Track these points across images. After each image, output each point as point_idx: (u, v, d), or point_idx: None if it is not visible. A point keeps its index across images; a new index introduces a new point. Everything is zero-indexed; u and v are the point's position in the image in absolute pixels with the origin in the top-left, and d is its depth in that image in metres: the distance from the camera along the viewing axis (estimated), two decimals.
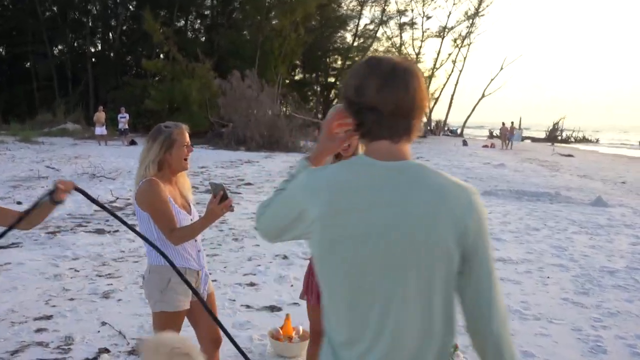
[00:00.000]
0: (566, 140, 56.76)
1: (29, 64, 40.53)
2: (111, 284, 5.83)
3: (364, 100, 1.51)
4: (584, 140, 59.54)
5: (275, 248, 7.44)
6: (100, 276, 6.12)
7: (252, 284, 5.93)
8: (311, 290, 3.33)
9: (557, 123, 57.89)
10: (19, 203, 9.96)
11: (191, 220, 3.11)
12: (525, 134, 58.26)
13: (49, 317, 4.87)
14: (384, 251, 1.47)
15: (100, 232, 8.20)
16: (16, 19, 38.39)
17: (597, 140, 61.49)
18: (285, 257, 7.07)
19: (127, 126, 27.06)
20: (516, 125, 43.04)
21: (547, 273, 6.70)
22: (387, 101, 1.49)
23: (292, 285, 5.96)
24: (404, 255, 1.46)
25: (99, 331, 4.62)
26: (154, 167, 3.01)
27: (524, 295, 5.84)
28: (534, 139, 58.91)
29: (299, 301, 5.44)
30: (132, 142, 26.56)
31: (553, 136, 56.82)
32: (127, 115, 27.22)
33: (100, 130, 25.98)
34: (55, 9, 40.62)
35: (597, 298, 5.85)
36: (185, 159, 3.10)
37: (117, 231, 8.26)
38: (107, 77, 38.57)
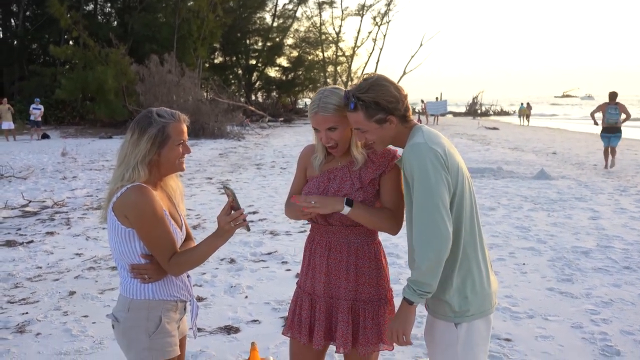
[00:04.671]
0: (486, 114, 58.06)
1: None
2: (26, 313, 4.78)
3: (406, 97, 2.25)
4: (502, 112, 61.07)
5: (220, 251, 6.56)
6: (12, 303, 5.04)
7: (199, 299, 5.04)
8: (299, 325, 2.53)
9: (476, 97, 59.07)
10: None
11: (181, 239, 2.32)
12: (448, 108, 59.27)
13: None
14: None
15: (10, 244, 7.01)
16: None
17: (515, 112, 63.31)
18: (232, 261, 6.21)
19: (39, 119, 24.91)
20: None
21: (521, 259, 6.17)
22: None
23: (246, 297, 5.13)
24: None
25: None
26: (144, 169, 2.19)
27: (506, 288, 5.25)
28: (455, 114, 59.97)
29: (258, 317, 4.64)
30: (45, 136, 24.64)
31: (473, 110, 58.02)
32: (41, 107, 25.06)
33: (7, 124, 23.85)
34: None
35: (583, 285, 5.35)
36: (180, 159, 2.30)
37: (31, 242, 7.11)
38: (12, 67, 35.78)
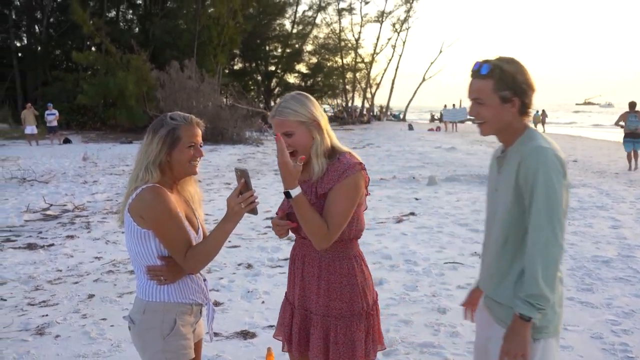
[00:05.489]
0: None
1: None
2: (46, 315, 4.84)
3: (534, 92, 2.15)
4: None
5: (237, 256, 6.58)
6: (32, 305, 5.11)
7: (216, 304, 5.06)
8: (288, 337, 2.55)
9: None
10: None
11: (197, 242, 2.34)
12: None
13: None
14: None
15: (32, 247, 7.11)
16: None
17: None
18: (249, 266, 6.23)
19: (55, 123, 25.22)
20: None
21: None
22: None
23: (263, 302, 5.14)
24: None
25: None
26: (156, 170, 2.25)
27: None
28: (474, 121, 59.58)
29: (274, 323, 4.61)
30: (66, 141, 24.96)
31: None
32: (56, 112, 25.40)
33: (30, 129, 24.19)
34: None
35: (604, 295, 5.28)
36: (192, 162, 2.32)
37: (52, 245, 7.20)
38: (35, 72, 36.34)
